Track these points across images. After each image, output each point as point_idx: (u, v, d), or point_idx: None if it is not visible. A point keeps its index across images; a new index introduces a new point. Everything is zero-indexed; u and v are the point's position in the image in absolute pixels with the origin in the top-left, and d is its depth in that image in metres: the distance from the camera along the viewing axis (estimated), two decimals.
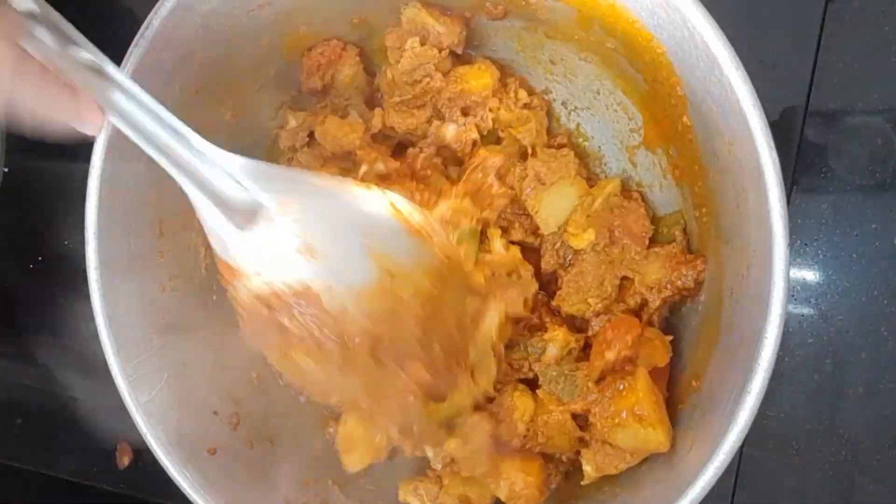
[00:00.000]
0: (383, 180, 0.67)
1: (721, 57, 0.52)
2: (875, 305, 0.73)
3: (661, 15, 0.55)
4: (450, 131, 0.70)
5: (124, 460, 0.90)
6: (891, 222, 0.72)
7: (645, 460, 0.62)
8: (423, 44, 0.69)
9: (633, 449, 0.61)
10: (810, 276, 0.74)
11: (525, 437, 0.65)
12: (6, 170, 0.81)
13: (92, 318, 0.63)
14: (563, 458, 0.68)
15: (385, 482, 0.72)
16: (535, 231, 0.71)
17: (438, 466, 0.70)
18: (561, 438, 0.65)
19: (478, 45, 0.74)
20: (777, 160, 0.50)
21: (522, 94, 0.72)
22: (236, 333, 0.72)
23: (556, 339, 0.66)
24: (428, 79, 0.70)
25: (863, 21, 0.72)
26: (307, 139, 0.76)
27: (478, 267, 0.65)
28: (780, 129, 0.72)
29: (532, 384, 0.68)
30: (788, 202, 0.72)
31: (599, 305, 0.67)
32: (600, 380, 0.64)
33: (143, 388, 0.64)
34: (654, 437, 0.59)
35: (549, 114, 0.75)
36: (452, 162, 0.73)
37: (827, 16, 0.72)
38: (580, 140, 0.75)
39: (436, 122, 0.71)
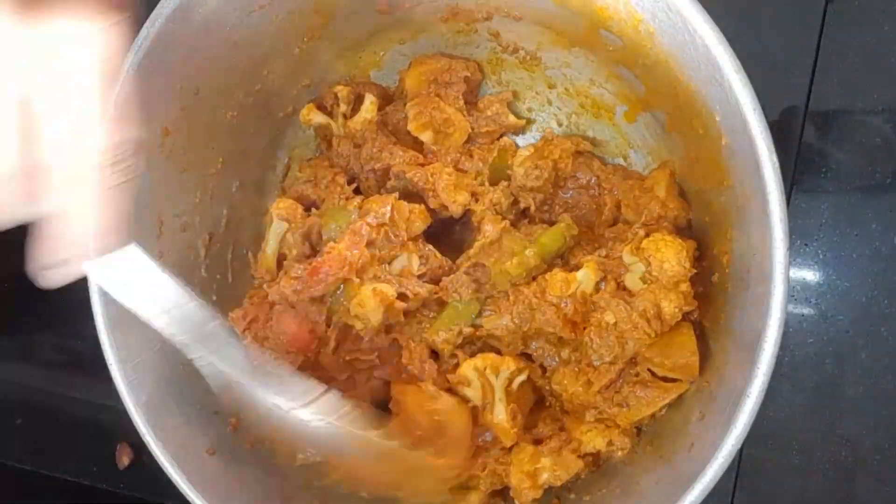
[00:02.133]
0: None
1: (722, 60, 0.51)
2: (875, 305, 0.73)
3: (661, 18, 0.55)
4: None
5: (124, 460, 0.90)
6: (891, 222, 0.72)
7: (643, 464, 0.62)
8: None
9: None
10: (810, 276, 0.74)
11: None
12: None
13: (92, 318, 0.63)
14: None
15: None
16: None
17: None
18: None
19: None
20: (777, 164, 0.50)
21: None
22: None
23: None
24: None
25: (863, 21, 0.72)
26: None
27: None
28: (780, 129, 0.72)
29: None
30: (788, 202, 0.72)
31: None
32: None
33: (143, 388, 0.64)
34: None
35: None
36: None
37: (827, 16, 0.72)
38: None
39: None
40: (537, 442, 0.66)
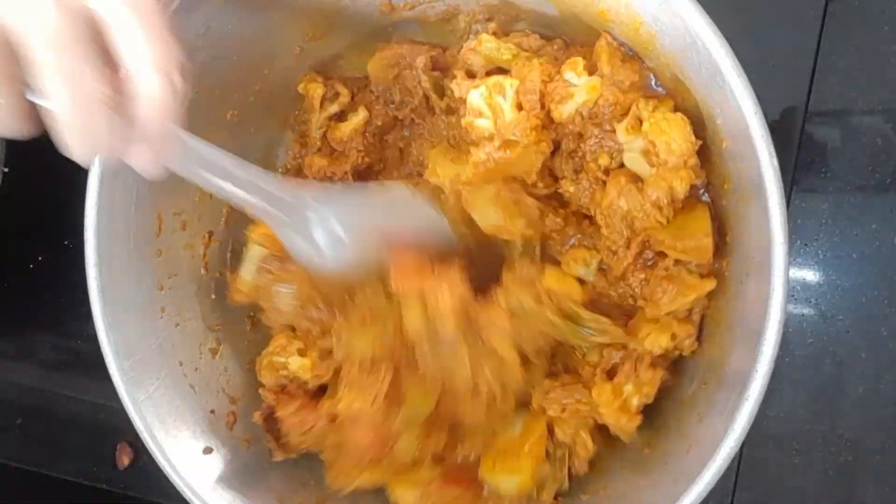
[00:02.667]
0: None
1: (723, 63, 0.51)
2: (875, 305, 0.73)
3: (663, 21, 0.55)
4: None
5: (124, 460, 0.90)
6: (891, 222, 0.72)
7: (640, 465, 0.62)
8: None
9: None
10: (810, 276, 0.74)
11: None
12: (6, 170, 0.81)
13: (91, 318, 0.63)
14: None
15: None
16: None
17: None
18: None
19: None
20: (778, 168, 0.50)
21: None
22: (234, 332, 0.72)
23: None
24: None
25: (863, 21, 0.72)
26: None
27: None
28: (780, 129, 0.72)
29: None
30: (788, 202, 0.72)
31: None
32: None
33: (141, 386, 0.64)
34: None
35: None
36: None
37: (827, 16, 0.72)
38: None
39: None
40: (610, 376, 0.65)
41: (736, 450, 0.51)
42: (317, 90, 0.74)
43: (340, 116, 0.76)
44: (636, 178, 0.61)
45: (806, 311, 0.74)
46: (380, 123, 0.75)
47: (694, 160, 0.59)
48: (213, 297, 0.74)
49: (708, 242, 0.59)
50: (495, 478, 0.66)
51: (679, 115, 0.58)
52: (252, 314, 0.78)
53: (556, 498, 0.67)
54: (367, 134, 0.75)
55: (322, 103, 0.75)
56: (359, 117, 0.73)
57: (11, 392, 0.94)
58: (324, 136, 0.77)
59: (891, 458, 0.73)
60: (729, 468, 0.51)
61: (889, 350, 0.73)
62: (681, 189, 0.59)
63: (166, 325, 0.69)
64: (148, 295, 0.68)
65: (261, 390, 0.71)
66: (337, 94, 0.75)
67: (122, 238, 0.65)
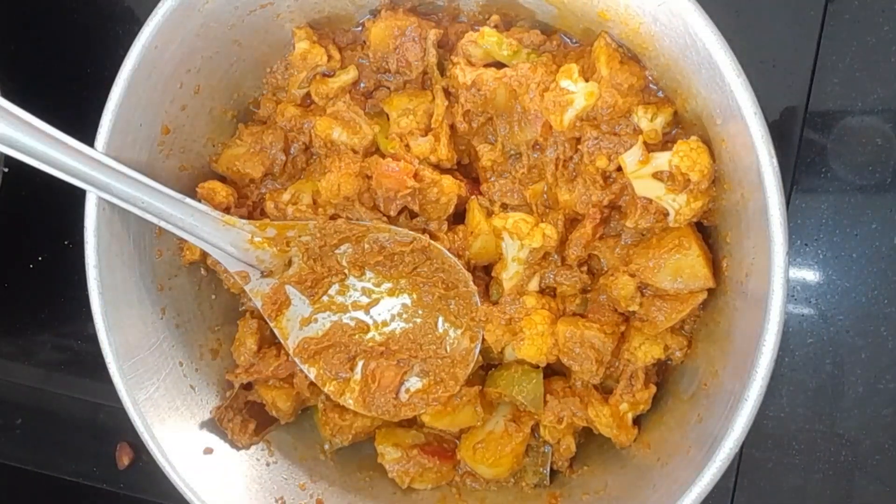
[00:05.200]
0: None
1: (723, 64, 0.51)
2: (875, 305, 0.73)
3: (663, 21, 0.55)
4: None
5: (124, 460, 0.90)
6: (891, 222, 0.72)
7: (640, 466, 0.62)
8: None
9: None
10: (810, 276, 0.74)
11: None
12: (6, 170, 0.81)
13: (91, 318, 0.63)
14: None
15: (380, 481, 0.72)
16: None
17: None
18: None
19: None
20: (777, 169, 0.50)
21: None
22: (234, 333, 0.72)
23: None
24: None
25: (863, 21, 0.72)
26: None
27: None
28: (780, 129, 0.72)
29: None
30: (788, 202, 0.72)
31: None
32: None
33: (141, 386, 0.64)
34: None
35: None
36: None
37: (827, 16, 0.72)
38: None
39: None
40: (606, 393, 0.66)
41: (736, 450, 0.51)
42: (314, 55, 0.70)
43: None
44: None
45: (806, 311, 0.74)
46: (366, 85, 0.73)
47: (707, 182, 0.59)
48: (214, 297, 0.74)
49: (708, 273, 0.60)
50: (474, 463, 0.69)
51: (698, 141, 0.59)
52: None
53: (554, 497, 0.68)
54: (352, 93, 0.72)
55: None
56: (349, 75, 0.71)
57: (11, 392, 0.94)
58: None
59: (891, 458, 0.73)
60: (729, 468, 0.52)
61: (889, 350, 0.73)
62: (700, 206, 0.59)
63: (166, 325, 0.69)
64: (148, 295, 0.68)
65: (228, 375, 0.71)
66: (329, 57, 0.72)
67: (122, 238, 0.65)
